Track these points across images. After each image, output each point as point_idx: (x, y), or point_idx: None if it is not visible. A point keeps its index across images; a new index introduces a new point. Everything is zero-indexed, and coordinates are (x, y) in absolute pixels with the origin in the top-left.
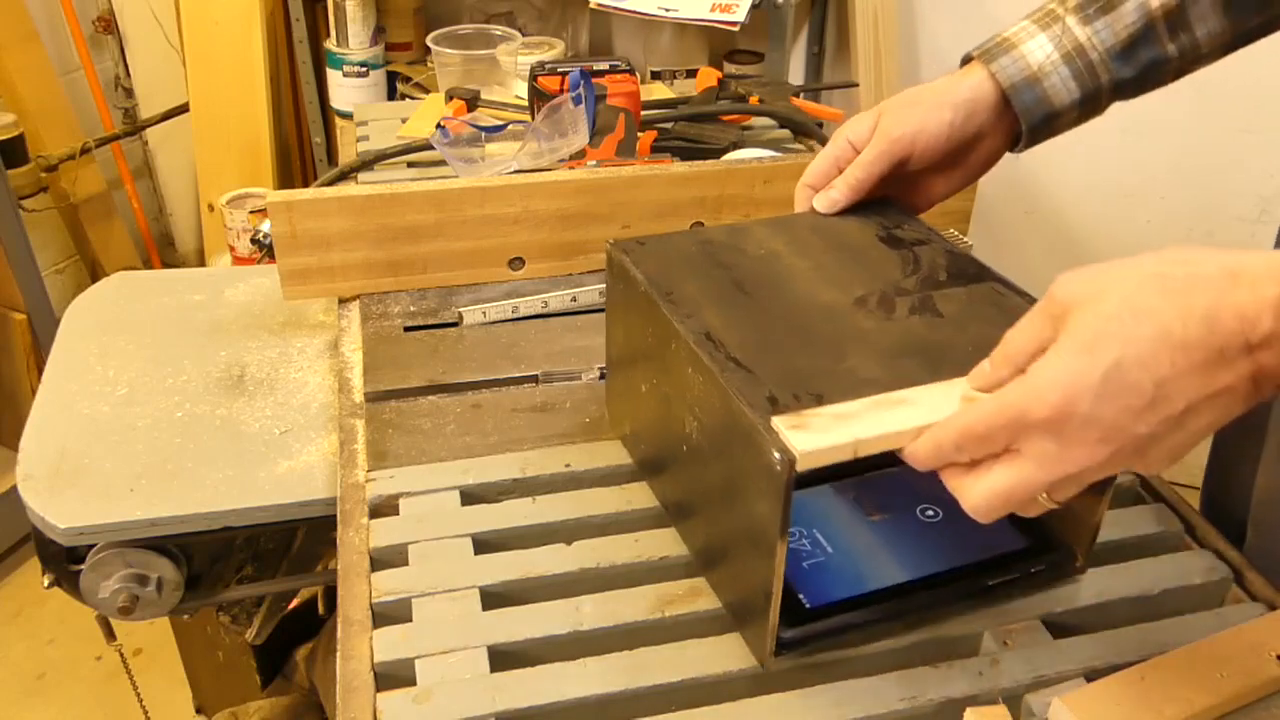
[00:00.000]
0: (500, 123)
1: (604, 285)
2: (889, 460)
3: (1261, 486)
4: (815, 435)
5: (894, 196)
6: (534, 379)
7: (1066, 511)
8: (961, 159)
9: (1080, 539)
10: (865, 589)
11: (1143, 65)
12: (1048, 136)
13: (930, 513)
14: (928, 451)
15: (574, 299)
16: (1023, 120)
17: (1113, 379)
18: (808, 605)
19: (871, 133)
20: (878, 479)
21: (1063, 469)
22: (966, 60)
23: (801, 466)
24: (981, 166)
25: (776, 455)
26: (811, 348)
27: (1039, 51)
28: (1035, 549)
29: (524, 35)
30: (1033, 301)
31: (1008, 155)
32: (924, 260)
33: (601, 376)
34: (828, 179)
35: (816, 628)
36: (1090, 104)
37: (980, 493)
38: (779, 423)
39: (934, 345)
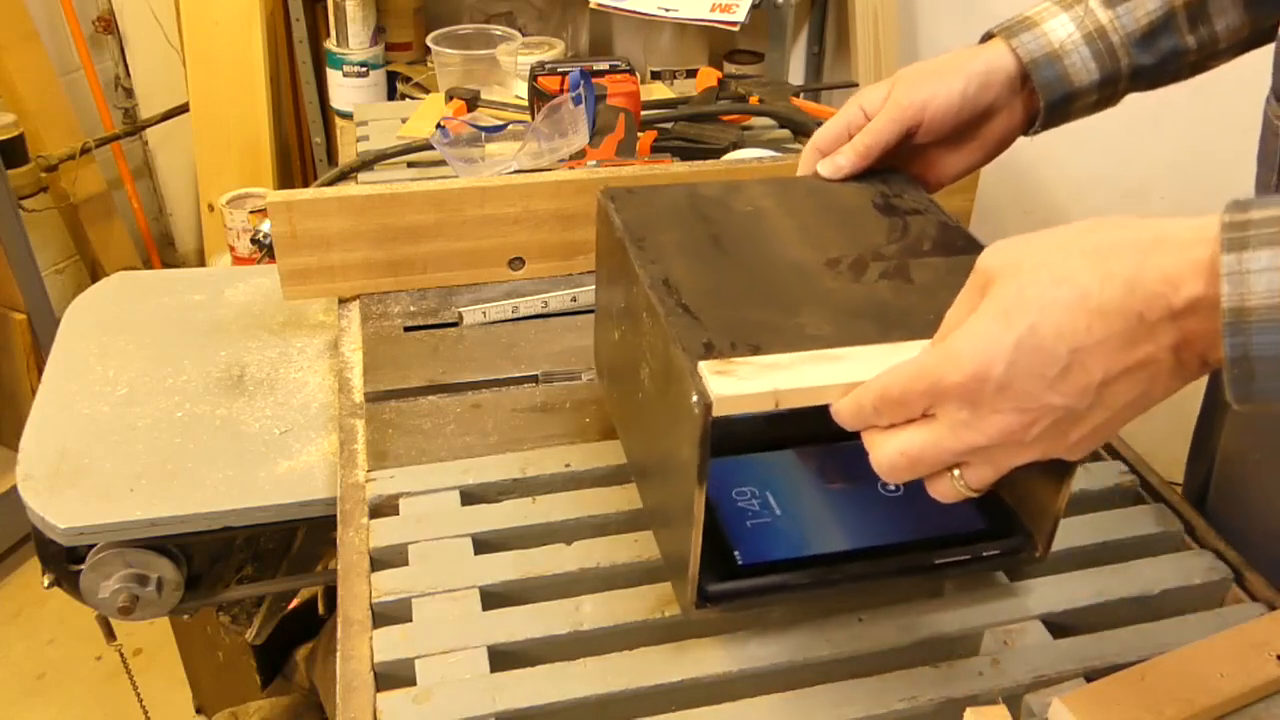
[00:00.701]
0: (500, 123)
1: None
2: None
3: (1225, 448)
4: (736, 382)
5: (905, 170)
6: (534, 379)
7: (1029, 496)
8: (974, 133)
9: (1041, 526)
10: (803, 553)
11: (1162, 54)
12: (1063, 120)
13: (892, 488)
14: (850, 411)
15: (574, 299)
16: (1041, 96)
17: (1025, 344)
18: (740, 562)
19: (884, 101)
20: (846, 448)
21: (974, 438)
22: (987, 38)
23: (717, 411)
24: (995, 145)
25: (695, 398)
26: (767, 303)
27: (1061, 30)
28: (994, 533)
29: (524, 35)
30: None
31: (1006, 156)
32: (913, 229)
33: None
34: (837, 143)
35: (743, 585)
36: (1108, 88)
37: (889, 450)
38: (704, 367)
39: (894, 309)
